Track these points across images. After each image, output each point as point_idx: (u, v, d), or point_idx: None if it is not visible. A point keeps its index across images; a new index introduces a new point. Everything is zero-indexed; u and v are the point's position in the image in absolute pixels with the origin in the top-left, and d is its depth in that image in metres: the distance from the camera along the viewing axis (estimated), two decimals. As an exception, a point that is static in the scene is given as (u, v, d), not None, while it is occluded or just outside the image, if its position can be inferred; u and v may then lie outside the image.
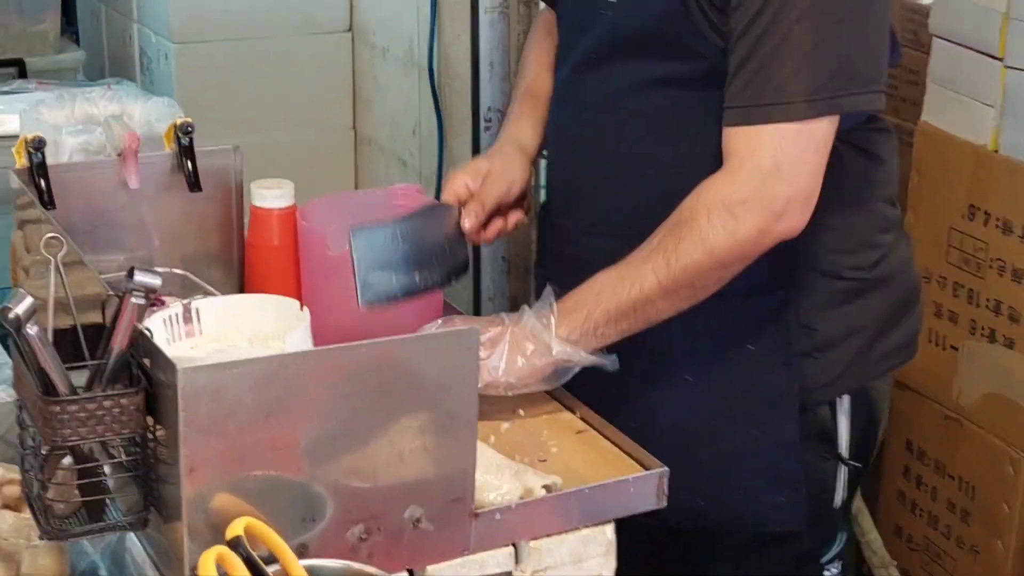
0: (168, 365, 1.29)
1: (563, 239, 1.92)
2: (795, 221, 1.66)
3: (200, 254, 1.95)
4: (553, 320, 1.66)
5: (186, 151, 1.87)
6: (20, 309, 1.28)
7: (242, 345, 1.58)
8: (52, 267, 1.44)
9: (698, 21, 1.68)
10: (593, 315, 1.67)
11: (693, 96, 1.73)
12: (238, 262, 1.97)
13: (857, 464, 1.86)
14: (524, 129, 1.95)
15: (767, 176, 1.64)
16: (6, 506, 1.59)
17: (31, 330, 1.29)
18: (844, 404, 1.83)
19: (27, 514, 1.55)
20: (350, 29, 4.63)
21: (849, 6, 1.64)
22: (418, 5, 4.14)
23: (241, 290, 1.97)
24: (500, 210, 1.89)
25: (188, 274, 1.90)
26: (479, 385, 1.57)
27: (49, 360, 1.31)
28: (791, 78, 1.63)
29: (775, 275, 1.75)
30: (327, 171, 4.74)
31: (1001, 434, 2.44)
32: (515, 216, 1.93)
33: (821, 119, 1.64)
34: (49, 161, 1.83)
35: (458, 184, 1.86)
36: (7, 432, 1.72)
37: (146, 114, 2.17)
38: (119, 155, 1.87)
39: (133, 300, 1.33)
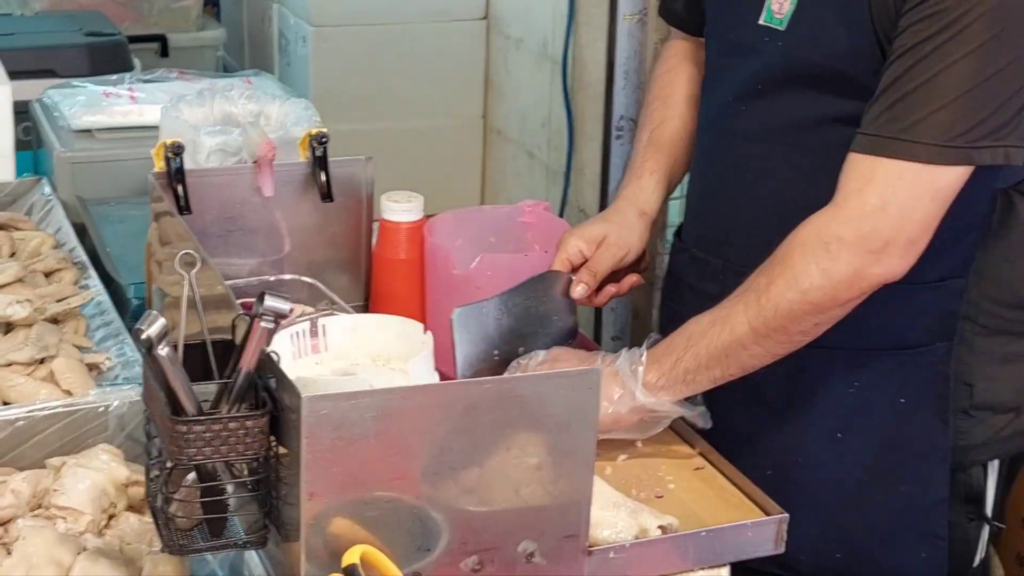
0: (293, 392, 1.31)
1: (704, 275, 1.85)
2: (894, 266, 1.57)
3: (328, 262, 1.98)
4: (641, 367, 1.62)
5: (320, 161, 1.89)
6: (152, 331, 1.30)
7: (365, 364, 1.59)
8: (186, 283, 1.46)
9: (880, 53, 1.59)
10: (683, 361, 1.61)
11: None
12: (365, 271, 1.99)
13: (1001, 525, 1.82)
14: (646, 188, 1.88)
15: (870, 214, 1.55)
16: (131, 507, 1.63)
17: (162, 351, 1.31)
18: (995, 465, 1.79)
19: (150, 518, 1.58)
20: (485, 18, 4.64)
21: (1018, 53, 1.53)
22: (555, 2, 4.15)
23: (366, 299, 1.99)
24: (614, 275, 1.84)
25: (316, 282, 1.93)
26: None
27: (178, 380, 1.33)
28: (931, 117, 1.54)
29: (937, 327, 1.69)
30: (455, 159, 4.77)
31: None
32: (630, 280, 1.88)
33: (948, 167, 1.55)
34: (186, 162, 1.87)
35: (572, 249, 1.81)
36: (134, 430, 1.76)
37: (283, 116, 2.19)
38: (255, 162, 1.90)
39: (263, 324, 1.35)
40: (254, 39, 4.99)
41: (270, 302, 1.35)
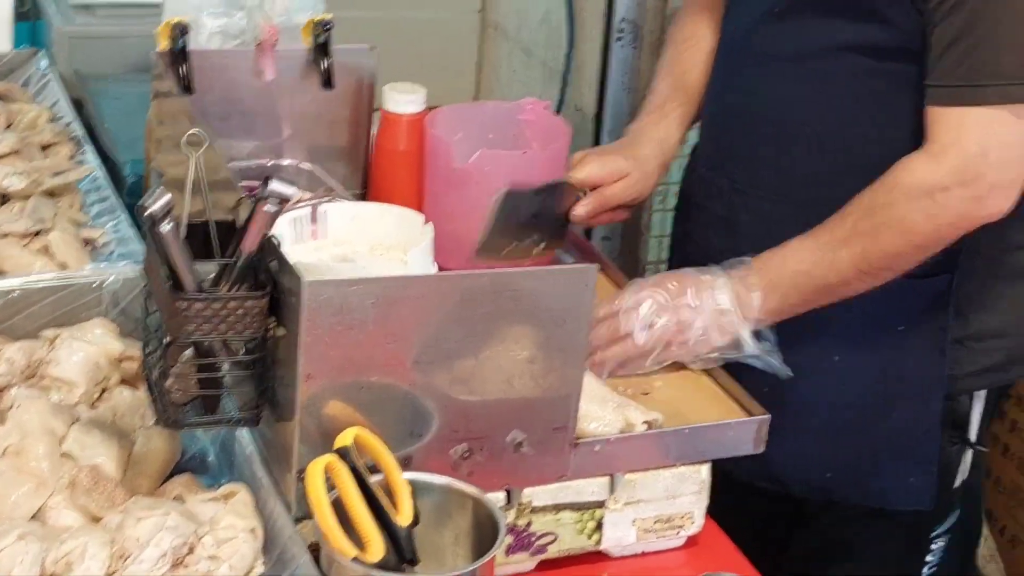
0: (295, 275, 1.33)
1: (711, 194, 1.88)
2: (998, 207, 1.61)
3: (328, 149, 1.99)
4: (751, 315, 1.66)
5: (322, 48, 1.89)
6: (156, 207, 1.31)
7: (364, 252, 1.61)
8: (192, 163, 1.47)
9: None
10: (788, 298, 1.66)
11: (883, 68, 1.67)
12: (364, 160, 2.00)
13: (984, 448, 1.85)
14: (672, 135, 1.93)
15: (972, 162, 1.58)
16: (124, 381, 1.65)
17: (165, 228, 1.32)
18: (982, 394, 1.82)
19: (143, 392, 1.61)
20: (488, -89, 4.59)
21: None
22: None
23: (365, 188, 2.00)
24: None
25: (315, 168, 1.94)
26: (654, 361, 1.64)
27: (180, 257, 1.34)
28: (1011, 58, 1.55)
29: (941, 258, 1.70)
30: (451, 52, 4.74)
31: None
32: (624, 214, 1.93)
33: None
34: (189, 43, 1.86)
35: (592, 173, 1.85)
36: (128, 305, 1.77)
37: (287, 2, 2.18)
38: (257, 45, 1.89)
39: (266, 208, 1.36)
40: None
41: (275, 185, 1.36)
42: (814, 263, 1.65)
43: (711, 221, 1.89)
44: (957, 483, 1.87)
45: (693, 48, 1.95)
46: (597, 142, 2.75)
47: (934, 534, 1.90)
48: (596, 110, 2.75)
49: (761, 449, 1.58)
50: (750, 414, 1.60)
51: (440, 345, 1.38)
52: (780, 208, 1.76)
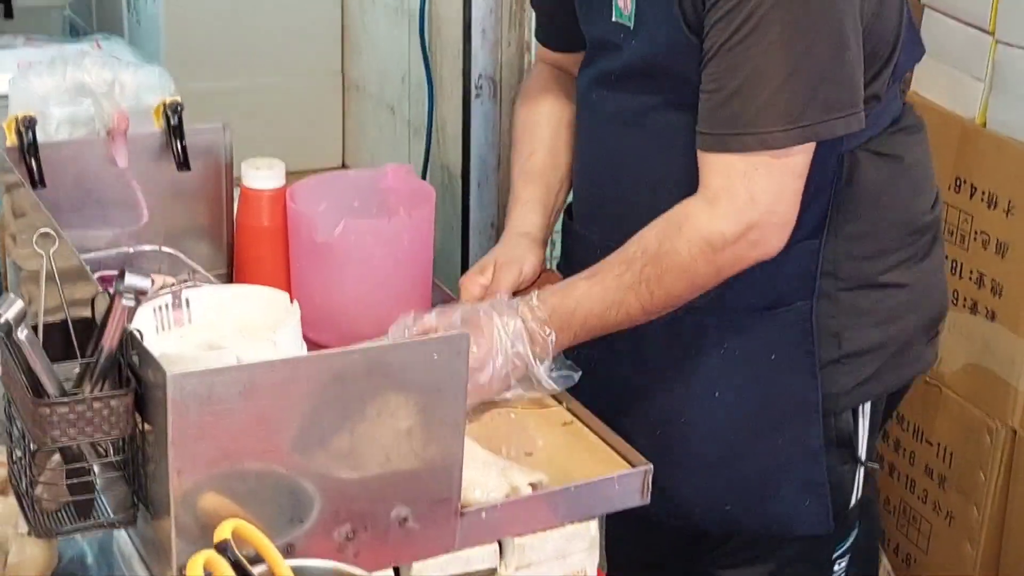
0: (158, 369, 1.30)
1: (585, 249, 1.91)
2: (771, 247, 1.69)
3: (189, 230, 1.96)
4: (550, 354, 1.70)
5: (175, 131, 1.86)
6: (10, 314, 1.28)
7: (231, 336, 1.59)
8: (44, 261, 1.44)
9: (697, 46, 1.67)
10: (577, 337, 1.72)
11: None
12: (227, 239, 1.98)
13: (875, 465, 1.88)
14: (525, 216, 1.97)
15: (744, 208, 1.66)
16: (-5, 490, 1.60)
17: (22, 334, 1.29)
18: (866, 408, 1.85)
19: (12, 499, 1.56)
20: (339, -26, 4.59)
21: (819, 29, 1.62)
22: (408, -46, 4.10)
23: (230, 267, 1.98)
24: (522, 290, 1.89)
25: (176, 252, 1.91)
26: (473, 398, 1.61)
27: (39, 363, 1.31)
28: (766, 107, 1.63)
29: (797, 286, 1.77)
30: (315, 115, 4.72)
31: (980, 403, 2.47)
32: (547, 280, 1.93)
33: (797, 147, 1.64)
34: (38, 135, 1.83)
35: (472, 286, 1.87)
36: (-5, 411, 1.72)
37: (137, 83, 2.15)
38: (108, 133, 1.86)
39: (124, 302, 1.34)
40: (102, -1, 4.87)
41: (130, 279, 1.34)
42: (604, 307, 1.71)
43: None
44: (853, 502, 1.90)
45: (529, 137, 2.01)
46: (465, 199, 2.76)
47: (836, 554, 1.93)
48: (461, 166, 2.75)
49: (646, 500, 1.59)
50: (632, 465, 1.60)
51: (315, 426, 1.37)
52: None
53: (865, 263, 1.80)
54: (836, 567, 1.94)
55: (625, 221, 1.82)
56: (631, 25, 1.77)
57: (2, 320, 1.28)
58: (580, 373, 1.72)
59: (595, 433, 1.67)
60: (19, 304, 1.29)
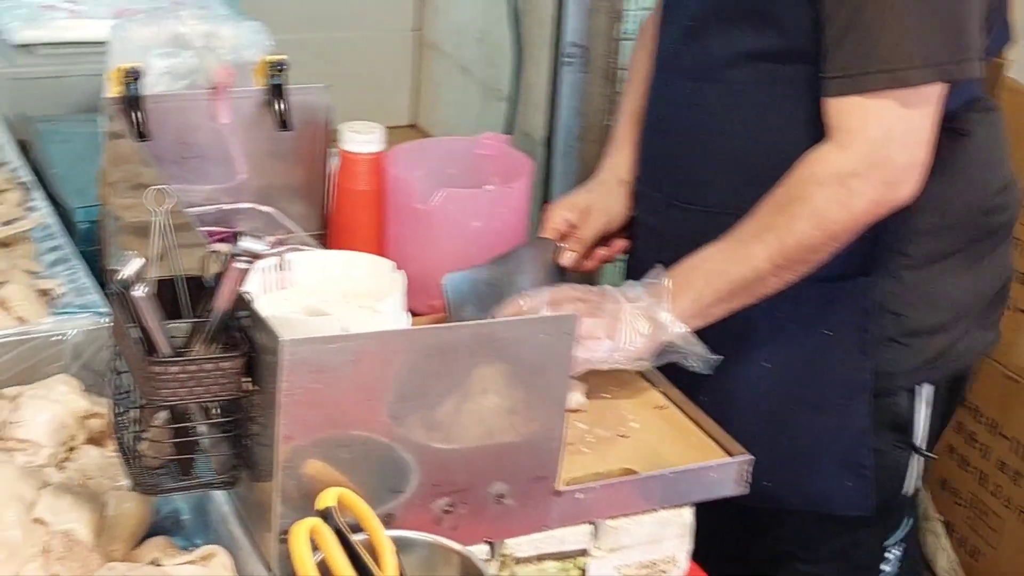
0: (272, 334, 1.30)
1: (648, 208, 1.91)
2: (910, 189, 1.64)
3: (285, 189, 1.96)
4: (668, 300, 1.64)
5: (277, 90, 1.86)
6: (128, 271, 1.29)
7: (334, 302, 1.58)
8: (156, 219, 1.44)
9: None
10: (703, 296, 1.65)
11: (784, 72, 1.71)
12: (322, 199, 1.98)
13: (932, 455, 1.86)
14: (625, 159, 1.95)
15: (880, 146, 1.62)
16: (90, 439, 1.61)
17: (138, 292, 1.30)
18: (925, 392, 1.83)
19: (111, 449, 1.57)
20: (418, -72, 4.57)
21: None
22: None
23: (323, 228, 1.98)
24: (602, 239, 1.90)
25: (274, 212, 1.91)
26: (591, 362, 1.59)
27: (154, 321, 1.32)
28: (901, 43, 1.59)
29: (858, 259, 1.73)
30: (387, 72, 4.72)
31: (1061, 400, 2.45)
32: (619, 244, 1.94)
33: (933, 85, 1.62)
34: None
35: (557, 219, 1.87)
36: (90, 359, 1.74)
37: (235, 38, 2.14)
38: (211, 88, 1.86)
39: (237, 265, 1.33)
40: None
41: (246, 243, 1.33)
42: (728, 260, 1.66)
43: (648, 235, 1.92)
44: (907, 490, 1.88)
45: (642, 81, 1.98)
46: (548, 167, 2.74)
47: (887, 542, 1.91)
48: (546, 134, 2.73)
49: (745, 491, 1.58)
50: (729, 453, 1.59)
51: (419, 399, 1.37)
52: (704, 220, 1.78)
53: (930, 240, 1.77)
54: (888, 555, 1.91)
55: (695, 183, 1.81)
56: None
57: (120, 277, 1.28)
58: (719, 359, 1.67)
59: (690, 419, 1.66)
60: (138, 262, 1.29)
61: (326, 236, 1.97)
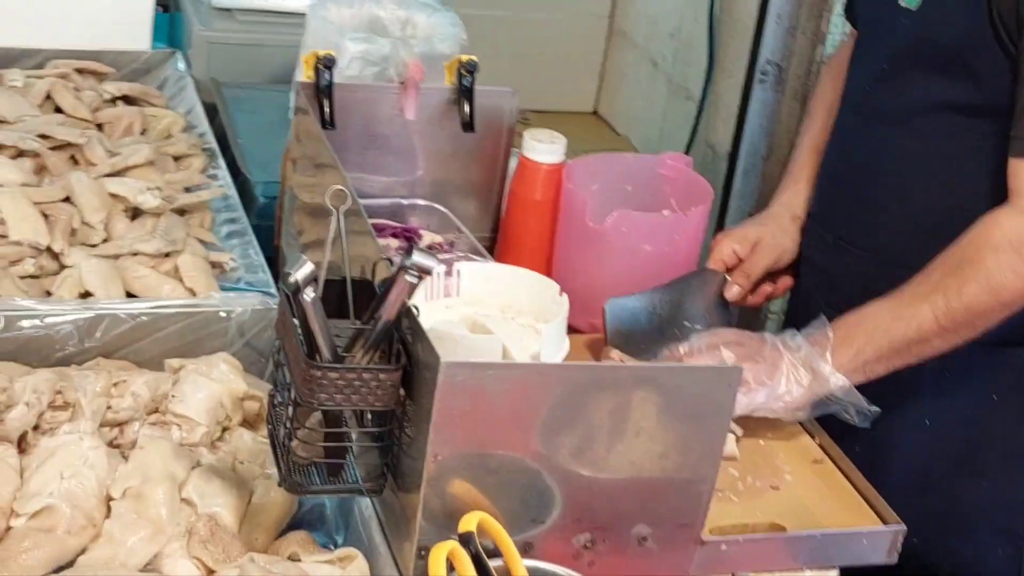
0: (432, 352, 1.30)
1: (816, 246, 1.88)
2: None
3: (462, 188, 1.96)
4: (829, 351, 1.60)
5: (466, 92, 1.85)
6: (299, 275, 1.29)
7: (495, 315, 1.58)
8: (334, 219, 1.44)
9: (992, 43, 1.60)
10: (864, 352, 1.61)
11: (977, 126, 1.66)
12: (496, 201, 1.97)
13: None
14: (801, 193, 1.91)
15: None
16: (245, 421, 1.63)
17: (307, 296, 1.30)
18: None
19: (263, 434, 1.59)
20: (623, -84, 4.54)
21: None
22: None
23: (494, 231, 1.97)
24: (769, 275, 1.87)
25: (447, 212, 1.91)
26: (747, 407, 1.56)
27: (318, 325, 1.32)
28: None
29: None
30: (575, 56, 4.72)
31: None
32: (785, 282, 1.90)
33: None
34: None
35: (726, 251, 1.84)
36: (254, 338, 1.76)
37: (430, 28, 2.16)
38: (401, 83, 1.86)
39: (407, 278, 1.33)
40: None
41: (418, 257, 1.33)
42: (893, 317, 1.61)
43: (813, 275, 1.89)
44: None
45: (827, 113, 1.94)
46: (728, 183, 2.69)
47: None
48: (730, 149, 2.68)
49: (893, 560, 1.53)
50: (884, 521, 1.54)
51: (572, 432, 1.35)
52: (872, 265, 1.75)
53: None
54: None
55: (869, 226, 1.77)
56: (914, 8, 1.70)
57: (292, 279, 1.29)
58: (877, 411, 1.61)
59: (846, 476, 1.62)
60: (309, 267, 1.29)
61: (496, 240, 1.96)
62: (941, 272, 1.61)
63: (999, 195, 1.63)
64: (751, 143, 2.64)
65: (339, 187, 1.44)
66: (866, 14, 1.85)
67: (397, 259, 1.36)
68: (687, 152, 3.23)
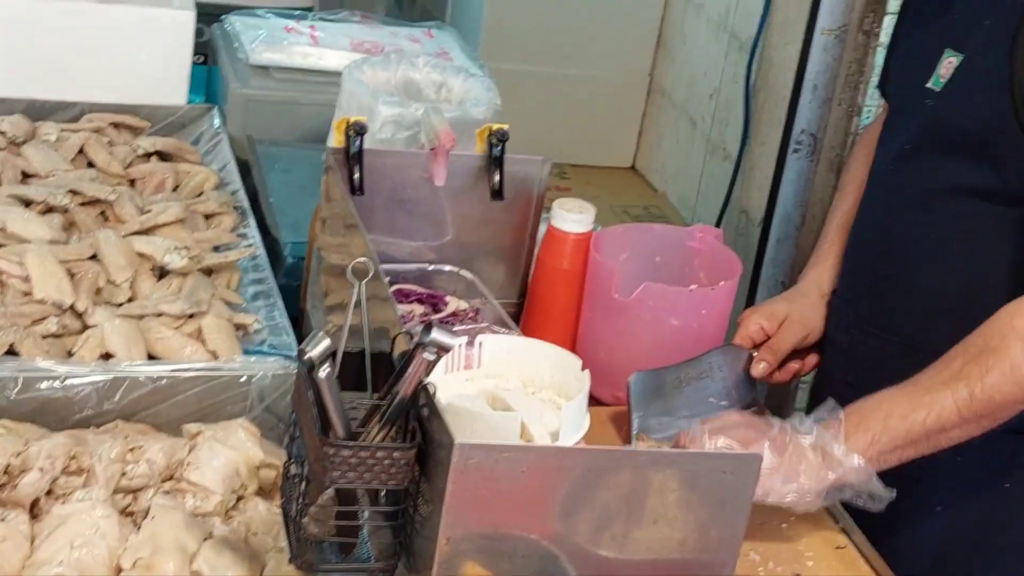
0: (446, 433, 1.28)
1: (839, 325, 1.85)
2: None
3: (488, 253, 1.95)
4: (843, 436, 1.56)
5: (496, 161, 1.85)
6: (315, 352, 1.28)
7: (516, 388, 1.56)
8: (355, 291, 1.43)
9: (1017, 131, 1.59)
10: (879, 440, 1.56)
11: (999, 212, 1.64)
12: (523, 269, 1.96)
13: None
14: (829, 272, 1.90)
15: None
16: (260, 490, 1.62)
17: (322, 373, 1.29)
18: None
19: (278, 504, 1.58)
20: (669, -25, 4.54)
21: None
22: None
23: (521, 298, 1.96)
24: (796, 352, 1.85)
25: (474, 278, 1.90)
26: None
27: (332, 402, 1.31)
28: None
29: None
30: (615, 112, 4.72)
31: None
32: (812, 359, 1.88)
33: None
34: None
35: (753, 327, 1.82)
36: (273, 403, 1.74)
37: (464, 91, 2.15)
38: (431, 149, 1.86)
39: (425, 355, 1.32)
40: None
41: (436, 335, 1.32)
42: (912, 405, 1.56)
43: (835, 354, 1.88)
44: None
45: (858, 190, 1.92)
46: (761, 251, 2.67)
47: None
48: (764, 216, 2.66)
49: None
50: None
51: (588, 517, 1.33)
52: (894, 347, 1.74)
53: None
54: None
55: (890, 307, 1.75)
56: (939, 90, 1.69)
57: (307, 356, 1.28)
58: (892, 495, 1.57)
59: (869, 564, 1.58)
60: (325, 343, 1.28)
61: (523, 306, 1.95)
62: (963, 360, 1.57)
63: (1022, 282, 1.61)
64: (784, 212, 2.62)
65: (362, 259, 1.43)
66: (895, 91, 1.85)
67: (417, 333, 1.35)
68: (722, 213, 3.21)
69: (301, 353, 1.28)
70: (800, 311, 1.86)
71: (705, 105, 4.35)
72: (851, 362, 1.81)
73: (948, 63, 1.70)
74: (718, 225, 3.40)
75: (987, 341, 1.57)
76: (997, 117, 1.61)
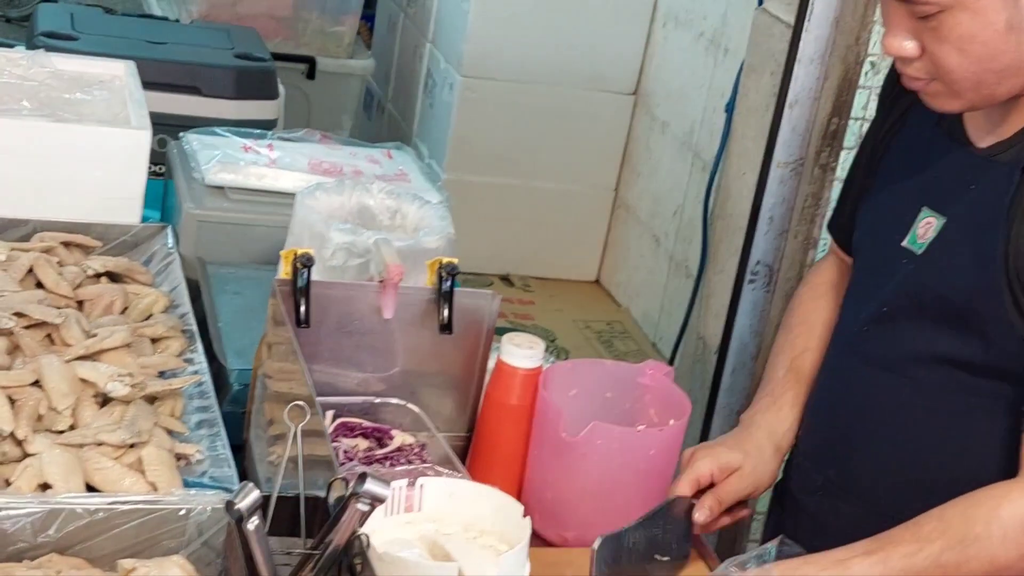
0: (378, 587, 1.26)
1: (804, 487, 1.82)
2: None
3: (437, 387, 1.93)
4: None
5: (446, 295, 1.84)
6: (244, 504, 1.26)
7: (456, 534, 1.54)
8: (291, 434, 1.41)
9: (1006, 303, 1.54)
10: None
11: (980, 385, 1.60)
12: (472, 403, 1.94)
13: None
14: (785, 421, 1.83)
15: None
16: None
17: (251, 525, 1.27)
18: None
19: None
20: (634, 93, 4.59)
21: None
22: (709, 94, 4.08)
23: (469, 431, 1.94)
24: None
25: (421, 413, 1.88)
26: None
27: (261, 555, 1.29)
28: None
29: None
30: (579, 226, 4.73)
31: None
32: (742, 513, 1.82)
33: None
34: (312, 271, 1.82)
35: (702, 472, 1.75)
36: (212, 537, 1.71)
37: (418, 219, 2.15)
38: (380, 282, 1.85)
39: (359, 506, 1.30)
40: (402, 73, 5.00)
41: (371, 486, 1.30)
42: None
43: (801, 516, 1.83)
44: None
45: (807, 333, 1.89)
46: (716, 380, 2.67)
47: None
48: (719, 344, 2.66)
49: None
50: None
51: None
52: (862, 516, 1.68)
53: None
54: None
55: (860, 473, 1.71)
56: (919, 252, 1.64)
57: (236, 507, 1.26)
58: None
59: None
60: (254, 495, 1.26)
61: (470, 440, 1.93)
62: (942, 545, 1.52)
63: (1008, 462, 1.57)
64: (741, 341, 2.63)
65: (298, 403, 1.42)
66: (865, 247, 1.79)
67: (353, 478, 1.33)
68: (680, 336, 3.21)
69: (230, 505, 1.26)
70: (752, 465, 1.79)
71: (669, 222, 4.37)
72: (817, 526, 1.75)
73: (927, 223, 1.64)
74: (677, 346, 3.40)
75: (969, 528, 1.53)
76: (986, 287, 1.56)
